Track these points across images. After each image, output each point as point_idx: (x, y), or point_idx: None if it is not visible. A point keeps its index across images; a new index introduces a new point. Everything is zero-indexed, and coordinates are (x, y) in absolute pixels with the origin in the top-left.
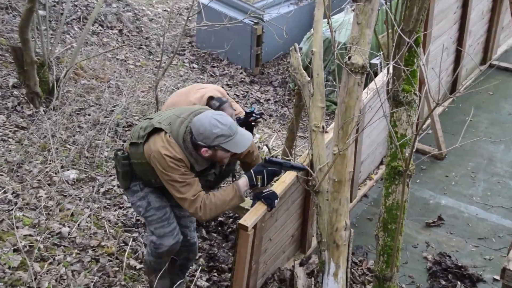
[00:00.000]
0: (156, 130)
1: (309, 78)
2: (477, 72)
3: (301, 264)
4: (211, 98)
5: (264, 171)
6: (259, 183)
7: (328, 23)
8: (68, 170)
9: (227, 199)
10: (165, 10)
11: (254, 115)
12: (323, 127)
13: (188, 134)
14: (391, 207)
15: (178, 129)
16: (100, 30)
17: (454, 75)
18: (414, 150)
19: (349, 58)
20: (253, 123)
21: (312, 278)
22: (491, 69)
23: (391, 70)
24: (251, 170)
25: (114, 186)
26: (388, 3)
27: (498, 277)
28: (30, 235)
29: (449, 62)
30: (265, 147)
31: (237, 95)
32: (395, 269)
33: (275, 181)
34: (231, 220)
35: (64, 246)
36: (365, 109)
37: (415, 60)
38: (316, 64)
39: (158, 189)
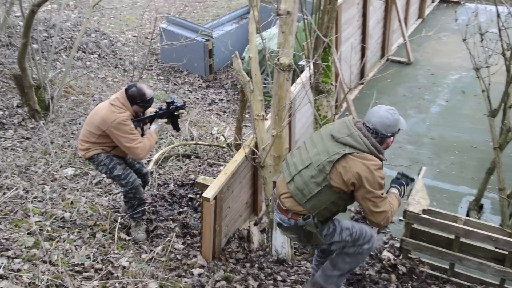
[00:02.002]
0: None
1: (249, 78)
2: (378, 65)
3: (255, 224)
4: (126, 89)
5: (404, 182)
6: (402, 193)
7: (262, 36)
8: (66, 168)
9: (397, 204)
10: (134, 36)
11: (175, 104)
12: (263, 116)
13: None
14: None
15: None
16: (83, 55)
17: (361, 68)
18: None
19: (278, 59)
20: (176, 113)
21: (264, 234)
22: (388, 62)
23: (312, 67)
24: (397, 185)
25: (104, 178)
26: (305, 15)
27: (402, 218)
28: (40, 221)
29: (356, 59)
30: (221, 137)
31: (197, 98)
32: None
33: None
34: (198, 196)
35: (67, 227)
36: (295, 99)
37: (329, 58)
38: (254, 66)
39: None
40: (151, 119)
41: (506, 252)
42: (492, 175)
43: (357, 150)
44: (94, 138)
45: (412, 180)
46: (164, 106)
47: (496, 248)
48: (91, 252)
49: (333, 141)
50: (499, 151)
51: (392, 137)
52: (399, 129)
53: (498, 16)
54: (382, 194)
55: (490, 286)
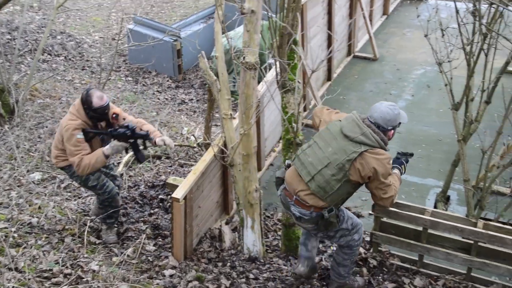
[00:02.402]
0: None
1: (216, 77)
2: (345, 62)
3: (226, 223)
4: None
5: (404, 161)
6: (403, 171)
7: (230, 35)
8: (33, 173)
9: (398, 184)
10: (101, 37)
11: (130, 130)
12: (231, 115)
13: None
14: None
15: None
16: (49, 58)
17: (328, 65)
18: (302, 124)
19: (244, 58)
20: (131, 141)
21: (236, 233)
22: (355, 59)
23: (278, 65)
24: (397, 165)
25: (72, 181)
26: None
27: (371, 212)
28: (5, 227)
29: (323, 56)
30: (192, 137)
31: (166, 98)
32: None
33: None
34: (169, 196)
35: (34, 233)
36: (262, 97)
37: (295, 55)
38: (220, 65)
39: None
40: (111, 136)
41: (471, 242)
42: (458, 167)
43: (370, 147)
44: (61, 145)
45: (412, 155)
46: (121, 129)
47: (462, 238)
48: (60, 257)
49: (348, 140)
50: (463, 143)
51: (392, 131)
52: (400, 123)
53: (457, 12)
54: (390, 181)
55: (457, 275)
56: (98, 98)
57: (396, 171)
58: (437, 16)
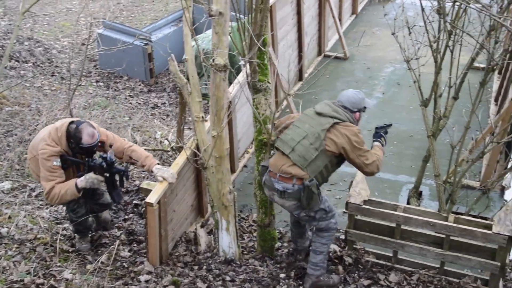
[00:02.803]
0: None
1: (186, 80)
2: (316, 61)
3: (201, 226)
4: (71, 122)
5: (383, 134)
6: (385, 142)
7: (202, 37)
8: (2, 182)
9: (381, 153)
10: (70, 42)
11: (108, 161)
12: (202, 117)
13: None
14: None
15: None
16: (17, 64)
17: (299, 65)
18: (274, 125)
19: (213, 60)
20: (106, 175)
21: (211, 235)
22: (325, 58)
23: (248, 66)
24: (378, 138)
25: None
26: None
27: (345, 210)
28: None
29: (294, 56)
30: (165, 141)
31: (139, 103)
32: (271, 217)
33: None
34: (143, 201)
35: (4, 243)
36: (234, 98)
37: (265, 56)
38: (190, 68)
39: None
40: (88, 167)
41: (443, 236)
42: (428, 163)
43: (341, 121)
44: (31, 155)
45: (390, 125)
46: (97, 160)
47: (435, 232)
48: (32, 267)
49: (322, 116)
50: (432, 139)
51: (358, 113)
52: (365, 107)
53: (423, 10)
54: (367, 149)
55: (431, 270)
56: (89, 136)
57: (377, 143)
58: (404, 15)
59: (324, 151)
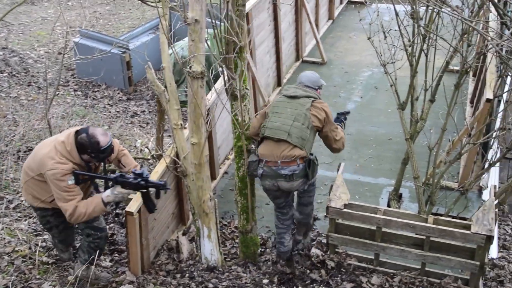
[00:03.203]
0: None
1: (164, 88)
2: (294, 67)
3: (183, 234)
4: (76, 132)
5: (343, 119)
6: (344, 127)
7: (180, 44)
8: None
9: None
10: (46, 52)
11: (144, 178)
12: (181, 124)
13: None
14: (243, 177)
15: None
16: None
17: (277, 71)
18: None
19: (190, 67)
20: (143, 191)
21: (193, 243)
22: (304, 64)
23: (226, 73)
24: (339, 123)
25: (22, 201)
26: (214, 22)
27: (326, 214)
28: None
29: (272, 62)
30: (146, 149)
31: (118, 111)
32: (253, 223)
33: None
34: (124, 210)
35: None
36: (213, 105)
37: (243, 63)
38: (167, 76)
39: None
40: (109, 181)
41: (424, 237)
42: (407, 165)
43: (315, 99)
44: (28, 177)
45: (348, 112)
46: (129, 175)
47: (415, 234)
48: (10, 281)
49: (298, 99)
50: (410, 141)
51: (319, 90)
52: (322, 85)
53: (397, 14)
54: (337, 125)
55: (412, 271)
56: (103, 135)
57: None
58: (380, 20)
59: (312, 128)
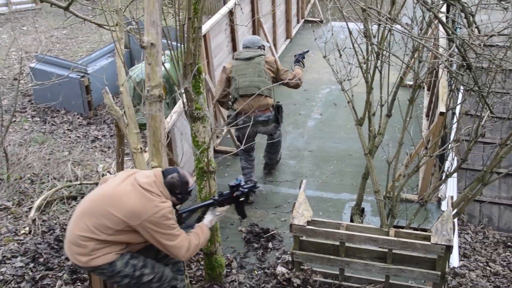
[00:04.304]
0: None
1: (122, 112)
2: None
3: None
4: (164, 173)
5: (300, 59)
6: (303, 65)
7: (140, 67)
8: None
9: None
10: (1, 78)
11: (241, 189)
12: (141, 148)
13: None
14: (205, 198)
15: None
16: None
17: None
18: (213, 153)
19: (148, 91)
20: (240, 200)
21: None
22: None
23: (184, 95)
24: (298, 64)
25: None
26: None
27: (290, 231)
28: None
29: None
30: (108, 173)
31: (78, 136)
32: (217, 244)
33: None
34: None
35: None
36: (173, 128)
37: (201, 85)
38: (125, 99)
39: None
40: (206, 208)
41: (386, 250)
42: (368, 179)
43: (264, 55)
44: (106, 235)
45: (307, 51)
46: (226, 191)
47: (378, 247)
48: None
49: (253, 59)
50: (369, 156)
51: (260, 49)
52: (263, 45)
53: (350, 33)
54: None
55: (377, 284)
56: (191, 177)
57: (297, 66)
58: (335, 38)
59: (270, 78)
